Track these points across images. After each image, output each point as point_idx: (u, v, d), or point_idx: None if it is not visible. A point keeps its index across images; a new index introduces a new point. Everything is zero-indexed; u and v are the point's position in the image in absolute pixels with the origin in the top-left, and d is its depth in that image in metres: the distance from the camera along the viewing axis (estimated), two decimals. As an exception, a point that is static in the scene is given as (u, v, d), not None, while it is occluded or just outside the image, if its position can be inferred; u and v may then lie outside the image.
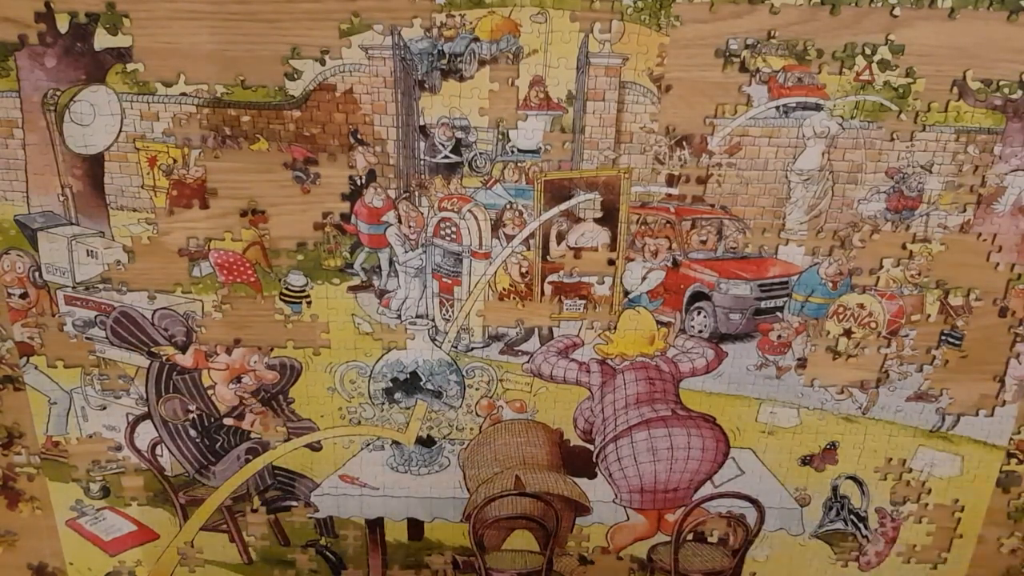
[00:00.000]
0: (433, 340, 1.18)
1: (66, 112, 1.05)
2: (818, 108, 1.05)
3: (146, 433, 1.25)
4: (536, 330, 1.18)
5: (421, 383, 1.21)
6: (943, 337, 1.18)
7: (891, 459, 1.26)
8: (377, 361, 1.20)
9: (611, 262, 1.14)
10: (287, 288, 1.15)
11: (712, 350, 1.18)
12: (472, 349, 1.19)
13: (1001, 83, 1.03)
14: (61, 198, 1.10)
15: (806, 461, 1.27)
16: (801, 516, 1.30)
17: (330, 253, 1.13)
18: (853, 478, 1.28)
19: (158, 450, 1.26)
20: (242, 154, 1.07)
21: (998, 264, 1.13)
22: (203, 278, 1.14)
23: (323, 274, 1.14)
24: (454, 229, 1.12)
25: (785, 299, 1.15)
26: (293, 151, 1.07)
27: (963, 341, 1.18)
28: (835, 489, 1.29)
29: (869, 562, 1.34)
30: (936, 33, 1.01)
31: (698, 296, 1.16)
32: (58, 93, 1.04)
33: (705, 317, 1.17)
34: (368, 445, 1.26)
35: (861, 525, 1.31)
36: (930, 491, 1.28)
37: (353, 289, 1.15)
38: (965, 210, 1.11)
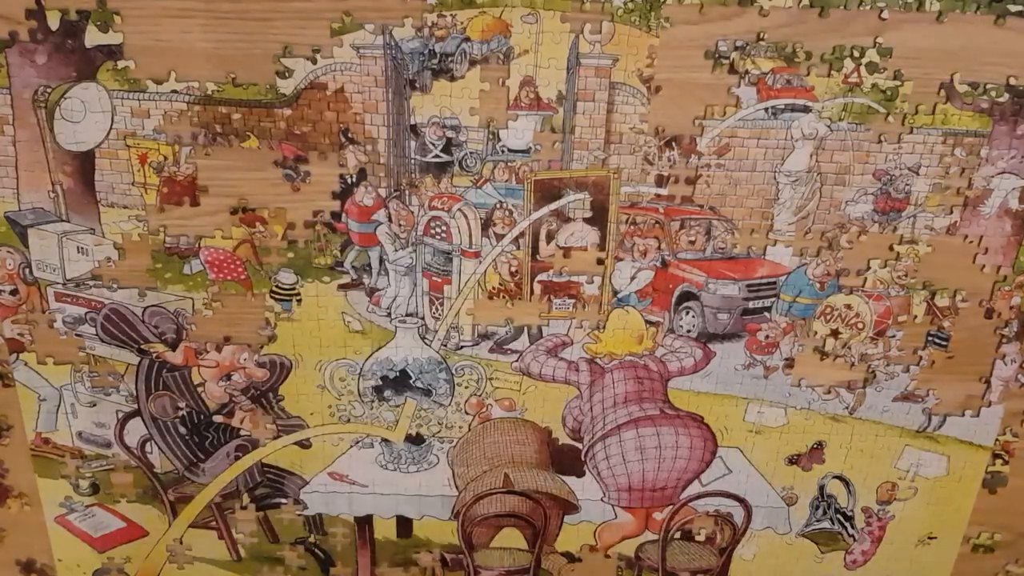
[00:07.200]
0: (423, 338, 1.19)
1: (56, 109, 1.04)
2: (806, 110, 1.05)
3: (136, 430, 1.25)
4: (525, 329, 1.19)
5: (411, 381, 1.21)
6: (929, 338, 1.19)
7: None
8: (367, 359, 1.20)
9: (600, 262, 1.14)
10: (277, 286, 1.15)
11: (700, 350, 1.19)
12: (462, 347, 1.20)
13: (988, 86, 1.04)
14: (52, 195, 1.10)
15: (793, 460, 1.27)
16: (788, 515, 1.31)
17: (320, 251, 1.13)
18: (840, 477, 1.29)
19: (148, 447, 1.26)
20: (232, 152, 1.07)
21: (984, 266, 1.14)
22: (193, 275, 1.14)
23: (313, 272, 1.14)
24: (444, 228, 1.12)
25: (773, 299, 1.16)
26: (283, 149, 1.07)
27: (949, 342, 1.19)
28: (822, 488, 1.29)
29: (856, 561, 1.35)
30: (924, 36, 1.01)
31: (686, 296, 1.16)
32: (49, 90, 1.04)
33: (693, 317, 1.17)
34: (357, 443, 1.26)
35: (848, 524, 1.32)
36: (916, 491, 1.29)
37: (343, 287, 1.15)
38: (952, 212, 1.11)
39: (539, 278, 1.15)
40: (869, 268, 1.14)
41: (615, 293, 1.16)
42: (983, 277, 1.15)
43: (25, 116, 1.05)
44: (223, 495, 1.29)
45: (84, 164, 1.08)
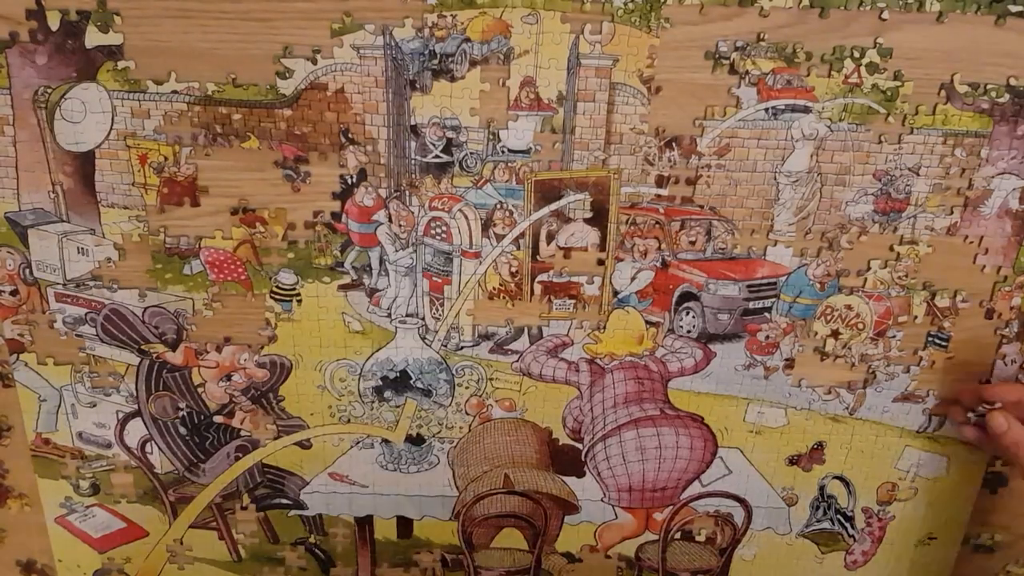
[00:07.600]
0: (423, 339, 1.19)
1: (57, 109, 1.05)
2: (807, 110, 1.06)
3: (136, 431, 1.25)
4: (526, 329, 1.19)
5: (411, 381, 1.21)
6: (930, 338, 1.19)
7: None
8: (367, 359, 1.20)
9: (600, 262, 1.14)
10: (277, 286, 1.15)
11: (700, 350, 1.19)
12: (462, 348, 1.20)
13: (988, 86, 1.04)
14: (52, 195, 1.10)
15: (793, 461, 1.27)
16: (788, 515, 1.31)
17: (320, 252, 1.13)
18: (840, 478, 1.29)
19: (148, 447, 1.26)
20: (233, 152, 1.07)
21: (984, 266, 1.14)
22: (194, 276, 1.14)
23: (313, 272, 1.15)
24: (444, 228, 1.12)
25: (773, 300, 1.16)
26: (284, 149, 1.07)
27: (949, 342, 1.19)
28: (822, 489, 1.29)
29: (856, 561, 1.35)
30: (924, 37, 1.01)
31: (687, 296, 1.16)
32: (49, 90, 1.04)
33: (694, 317, 1.17)
34: (358, 443, 1.26)
35: (848, 525, 1.32)
36: (916, 491, 1.29)
37: (343, 288, 1.15)
38: (952, 212, 1.11)
39: (539, 278, 1.15)
40: (869, 268, 1.14)
41: (615, 293, 1.16)
42: (983, 277, 1.15)
43: (25, 116, 1.05)
44: (223, 495, 1.29)
45: (84, 164, 1.08)
